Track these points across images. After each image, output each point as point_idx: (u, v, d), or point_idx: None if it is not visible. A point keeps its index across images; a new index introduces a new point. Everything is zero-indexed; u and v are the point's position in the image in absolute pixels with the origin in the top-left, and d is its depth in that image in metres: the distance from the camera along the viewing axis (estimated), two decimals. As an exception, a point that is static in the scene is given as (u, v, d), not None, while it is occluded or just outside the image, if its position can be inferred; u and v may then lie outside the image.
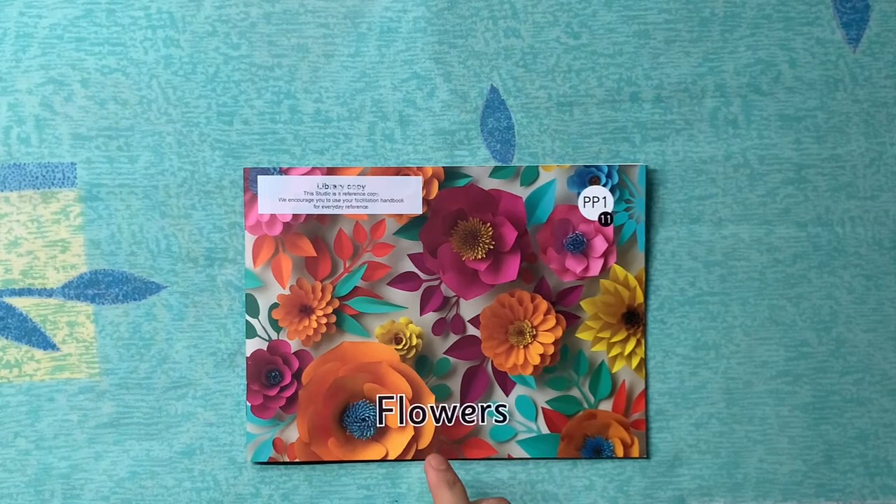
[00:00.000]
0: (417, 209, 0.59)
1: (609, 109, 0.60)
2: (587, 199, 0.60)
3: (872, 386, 0.61)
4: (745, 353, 0.61)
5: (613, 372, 0.61)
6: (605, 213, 0.60)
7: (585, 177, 0.59)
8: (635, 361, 0.61)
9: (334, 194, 0.59)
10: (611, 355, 0.61)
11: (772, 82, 0.60)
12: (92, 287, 0.60)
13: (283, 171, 0.59)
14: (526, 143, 0.60)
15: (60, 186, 0.60)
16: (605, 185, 0.60)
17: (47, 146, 0.60)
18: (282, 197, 0.59)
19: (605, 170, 0.59)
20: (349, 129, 0.60)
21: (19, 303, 0.60)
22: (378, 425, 0.60)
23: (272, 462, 0.60)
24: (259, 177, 0.59)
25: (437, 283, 0.60)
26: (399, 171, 0.59)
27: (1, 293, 0.60)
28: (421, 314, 0.60)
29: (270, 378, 0.60)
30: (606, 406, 0.61)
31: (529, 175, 0.60)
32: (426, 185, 0.59)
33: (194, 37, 0.60)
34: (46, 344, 0.60)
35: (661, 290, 0.61)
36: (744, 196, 0.60)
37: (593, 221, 0.60)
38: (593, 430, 0.61)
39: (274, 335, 0.60)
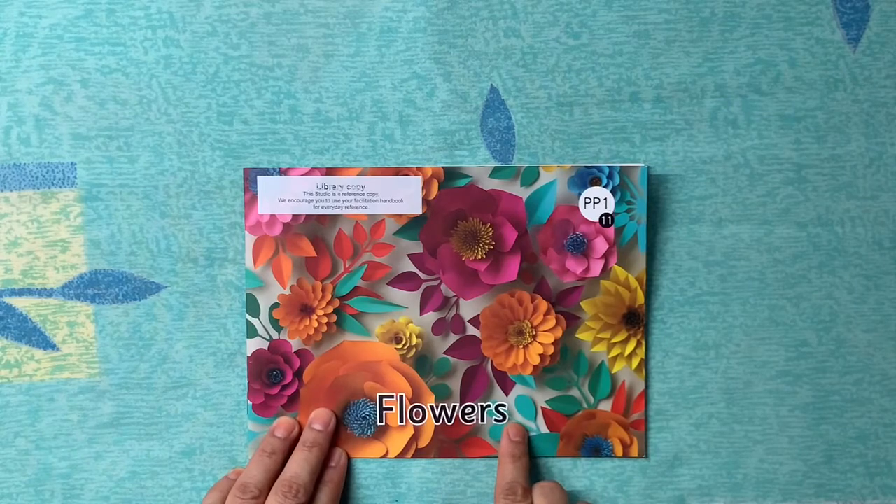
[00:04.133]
0: (417, 209, 0.59)
1: (609, 109, 0.60)
2: (588, 200, 0.59)
3: (872, 386, 0.61)
4: (745, 353, 0.61)
5: (613, 372, 0.61)
6: (606, 215, 0.59)
7: (586, 177, 0.59)
8: (635, 362, 0.60)
9: (334, 195, 0.59)
10: (611, 356, 0.61)
11: (772, 82, 0.60)
12: (92, 287, 0.60)
13: (283, 172, 0.59)
14: (526, 143, 0.60)
15: (60, 186, 0.60)
16: (605, 186, 0.59)
17: (47, 146, 0.60)
18: (281, 197, 0.59)
19: (607, 171, 0.59)
20: (349, 129, 0.60)
21: (19, 303, 0.60)
22: (378, 424, 0.61)
23: (273, 460, 0.61)
24: (259, 177, 0.59)
25: (436, 283, 0.60)
26: (398, 172, 0.59)
27: (1, 293, 0.60)
28: (421, 314, 0.60)
29: (272, 377, 0.60)
30: (606, 406, 0.61)
31: (530, 175, 0.59)
32: (426, 185, 0.59)
33: (194, 37, 0.60)
34: (46, 344, 0.60)
35: (660, 290, 0.61)
36: (744, 196, 0.60)
37: (594, 222, 0.60)
38: (592, 429, 0.61)
39: (275, 335, 0.60)
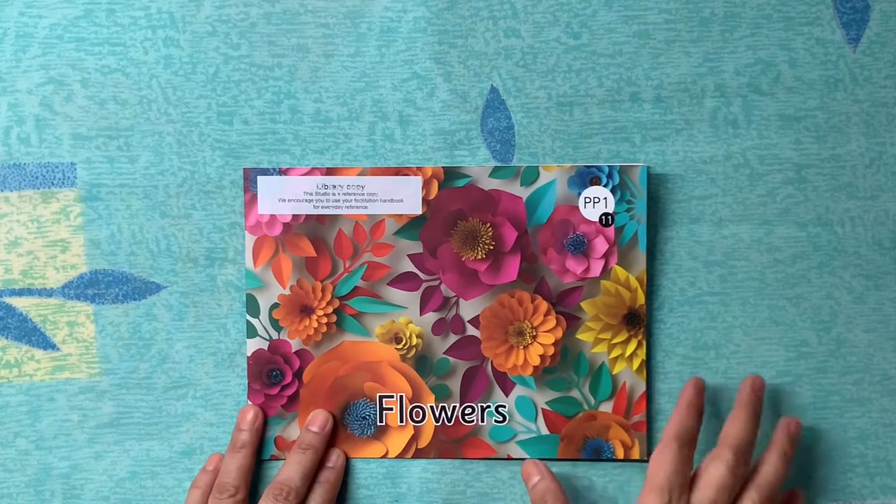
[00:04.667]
0: (417, 209, 0.59)
1: (609, 109, 0.60)
2: (588, 200, 0.59)
3: (872, 386, 0.61)
4: (745, 353, 0.61)
5: (614, 373, 0.61)
6: (606, 214, 0.60)
7: (586, 177, 0.60)
8: (636, 363, 0.61)
9: (334, 195, 0.59)
10: (611, 357, 0.61)
11: (772, 82, 0.60)
12: (92, 287, 0.60)
13: (283, 172, 0.59)
14: (526, 143, 0.60)
15: (60, 186, 0.60)
16: (605, 186, 0.60)
17: (47, 146, 0.60)
18: (281, 197, 0.59)
19: (606, 170, 0.60)
20: (349, 129, 0.60)
21: (19, 303, 0.60)
22: (378, 424, 0.60)
23: (274, 459, 0.60)
24: (259, 177, 0.59)
25: (436, 283, 0.60)
26: (399, 172, 0.59)
27: (1, 293, 0.60)
28: (421, 314, 0.60)
29: (271, 377, 0.60)
30: (607, 407, 0.61)
31: (529, 175, 0.60)
32: (426, 185, 0.59)
33: (194, 37, 0.60)
34: (46, 344, 0.60)
35: (660, 290, 0.61)
36: (744, 196, 0.60)
37: (594, 222, 0.60)
38: (593, 431, 0.61)
39: (275, 335, 0.60)
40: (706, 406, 0.60)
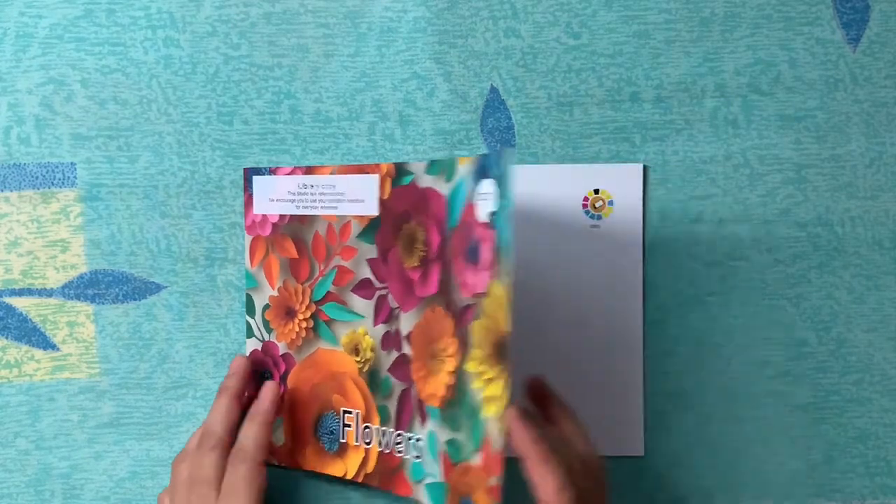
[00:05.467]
0: (374, 210, 0.56)
1: (609, 109, 0.60)
2: (481, 196, 0.49)
3: (872, 386, 0.61)
4: (745, 353, 0.61)
5: (484, 417, 0.48)
6: (493, 213, 0.48)
7: (486, 169, 0.49)
8: (498, 409, 0.47)
9: (311, 194, 0.58)
10: (485, 395, 0.48)
11: (772, 82, 0.60)
12: (92, 287, 0.60)
13: (272, 171, 0.59)
14: (526, 143, 0.60)
15: (60, 186, 0.60)
16: (494, 178, 0.48)
17: (47, 146, 0.60)
18: (271, 197, 0.59)
19: (494, 158, 0.48)
20: (349, 129, 0.60)
21: (19, 303, 0.60)
22: (340, 440, 0.58)
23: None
24: (253, 177, 0.59)
25: (386, 292, 0.56)
26: (362, 170, 0.56)
27: (1, 293, 0.60)
28: (374, 325, 0.57)
29: (263, 379, 0.59)
30: (477, 459, 0.49)
31: (449, 170, 0.52)
32: (382, 183, 0.55)
33: (194, 37, 0.60)
34: (46, 344, 0.60)
35: (660, 291, 0.61)
36: (744, 196, 0.60)
37: (484, 223, 0.48)
38: (466, 488, 0.49)
39: (266, 336, 0.60)
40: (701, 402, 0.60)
